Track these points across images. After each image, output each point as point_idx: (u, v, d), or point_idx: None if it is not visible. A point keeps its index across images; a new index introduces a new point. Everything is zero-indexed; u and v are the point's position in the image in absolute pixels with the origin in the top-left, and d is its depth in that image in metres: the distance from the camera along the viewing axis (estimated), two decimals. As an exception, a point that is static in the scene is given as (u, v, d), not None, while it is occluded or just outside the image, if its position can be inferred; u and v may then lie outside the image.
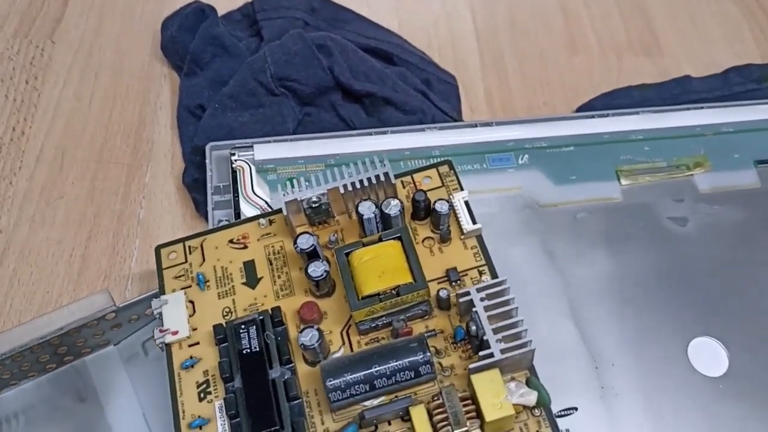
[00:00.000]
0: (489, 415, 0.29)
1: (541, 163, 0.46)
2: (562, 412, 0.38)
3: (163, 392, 0.34)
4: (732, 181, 0.46)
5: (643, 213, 0.44)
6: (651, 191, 0.45)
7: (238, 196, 0.43)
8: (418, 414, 0.30)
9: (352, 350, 0.34)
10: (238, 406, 0.32)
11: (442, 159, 0.39)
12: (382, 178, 0.35)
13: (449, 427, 0.29)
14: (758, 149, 0.47)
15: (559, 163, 0.46)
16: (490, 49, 0.56)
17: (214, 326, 0.34)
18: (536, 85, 0.54)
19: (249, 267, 0.37)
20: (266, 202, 0.43)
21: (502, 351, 0.30)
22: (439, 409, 0.30)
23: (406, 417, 0.31)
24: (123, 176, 0.47)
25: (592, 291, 0.41)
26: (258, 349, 0.33)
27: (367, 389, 0.31)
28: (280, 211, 0.36)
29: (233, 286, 0.36)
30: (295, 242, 0.34)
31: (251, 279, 0.36)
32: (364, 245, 0.34)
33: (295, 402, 0.32)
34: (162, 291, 0.37)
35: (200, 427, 0.33)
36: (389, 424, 0.31)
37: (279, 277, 0.36)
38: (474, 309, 0.31)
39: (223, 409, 0.32)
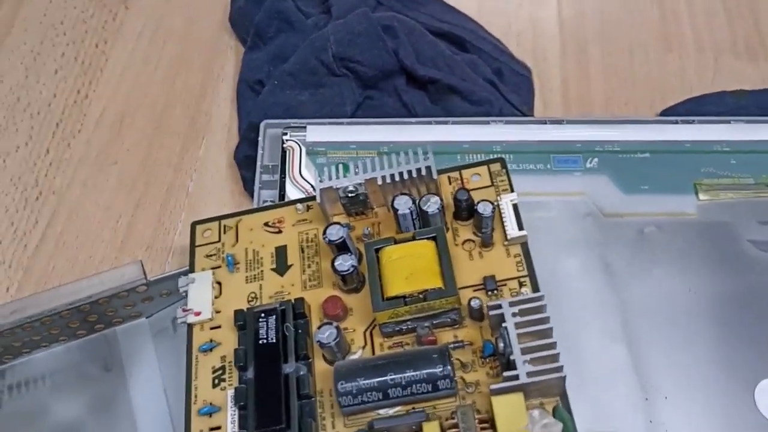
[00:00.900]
0: (504, 443, 0.27)
1: (610, 169, 0.42)
2: (601, 444, 0.35)
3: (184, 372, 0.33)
4: (830, 206, 0.41)
5: (721, 233, 0.40)
6: (732, 210, 0.41)
7: (284, 178, 0.42)
8: (431, 431, 0.28)
9: (373, 353, 0.32)
10: (247, 398, 0.30)
11: (498, 156, 0.36)
12: (424, 172, 0.33)
13: (461, 450, 0.27)
14: None
15: (631, 170, 0.42)
16: (574, 38, 0.52)
17: (235, 311, 0.33)
18: (620, 82, 0.50)
19: (280, 253, 0.35)
20: (312, 186, 0.41)
21: (529, 374, 0.27)
22: (454, 429, 0.28)
23: (418, 432, 0.29)
24: (178, 147, 0.47)
25: (651, 314, 0.38)
26: (275, 341, 0.32)
27: (380, 397, 0.29)
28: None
29: (262, 271, 0.35)
30: (324, 232, 0.33)
31: (281, 265, 0.35)
32: (396, 242, 0.32)
33: (307, 401, 0.31)
34: (192, 269, 0.36)
35: (210, 415, 0.32)
36: (401, 437, 0.29)
37: (309, 266, 0.35)
38: (504, 324, 0.29)
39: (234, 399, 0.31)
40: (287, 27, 0.49)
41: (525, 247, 0.33)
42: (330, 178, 0.34)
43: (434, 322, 0.31)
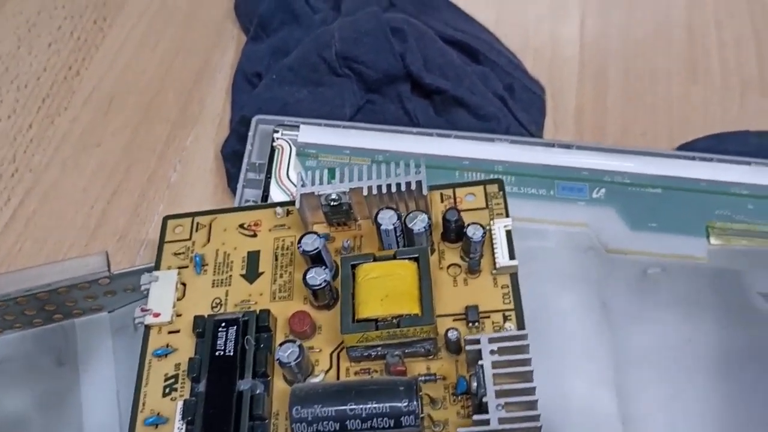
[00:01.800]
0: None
1: (618, 201, 0.40)
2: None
3: (139, 375, 0.31)
4: None
5: (731, 282, 0.38)
6: (745, 258, 0.38)
7: (270, 178, 0.40)
8: (389, 472, 0.26)
9: (338, 377, 0.29)
10: (196, 412, 0.28)
11: (496, 177, 0.34)
12: (414, 187, 0.31)
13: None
14: None
15: (639, 205, 0.40)
16: (594, 60, 0.50)
17: (195, 317, 0.31)
18: (638, 111, 0.47)
19: (252, 258, 0.33)
20: (298, 190, 0.39)
21: (501, 420, 0.25)
22: (414, 472, 0.26)
23: (375, 471, 0.26)
24: (165, 134, 0.45)
25: (646, 362, 0.35)
26: (232, 354, 0.29)
27: (337, 428, 0.26)
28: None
29: (230, 276, 0.33)
30: (299, 241, 0.30)
31: (251, 272, 0.33)
32: (375, 259, 0.30)
33: (260, 422, 0.28)
34: (157, 266, 0.34)
35: (156, 426, 0.30)
36: (356, 474, 0.27)
37: (281, 276, 0.32)
38: (480, 362, 0.26)
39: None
40: (292, 20, 0.47)
41: (514, 278, 0.31)
42: (312, 183, 0.32)
43: (406, 350, 0.29)
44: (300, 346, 0.28)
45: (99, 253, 0.35)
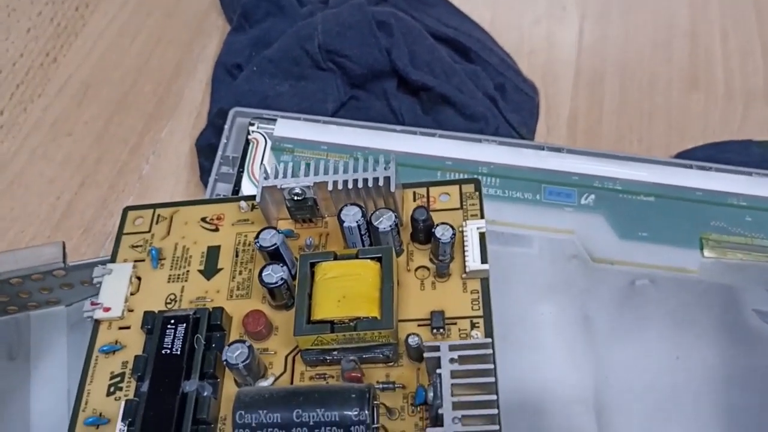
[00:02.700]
0: None
1: (607, 209, 0.38)
2: None
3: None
4: None
5: (723, 297, 0.36)
6: (740, 273, 0.36)
7: (243, 171, 0.38)
8: (335, 486, 0.24)
9: (291, 382, 0.28)
10: (137, 414, 0.27)
11: (476, 176, 0.32)
12: (382, 183, 0.29)
13: None
14: None
15: (630, 213, 0.38)
16: (591, 65, 0.48)
17: (145, 313, 0.29)
18: (635, 117, 0.45)
19: (212, 253, 0.32)
20: (271, 185, 0.37)
21: (457, 435, 0.23)
22: (362, 487, 0.24)
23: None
24: (140, 126, 0.43)
25: (630, 380, 0.33)
26: (179, 353, 0.28)
27: (282, 437, 0.25)
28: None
29: (188, 271, 0.31)
30: (257, 236, 0.29)
31: (209, 268, 0.31)
32: (336, 258, 0.28)
33: (204, 427, 0.27)
34: (113, 258, 0.32)
35: (97, 426, 0.28)
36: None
37: (240, 273, 0.31)
38: (438, 370, 0.24)
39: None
40: (277, 11, 0.45)
41: (485, 283, 0.29)
42: (276, 176, 0.30)
43: (364, 356, 0.27)
44: (249, 347, 0.26)
45: (54, 243, 0.33)
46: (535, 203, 0.38)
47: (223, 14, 0.49)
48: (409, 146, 0.39)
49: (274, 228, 0.29)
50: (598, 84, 0.47)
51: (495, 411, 0.24)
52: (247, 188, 0.37)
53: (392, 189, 0.29)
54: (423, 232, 0.29)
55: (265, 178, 0.30)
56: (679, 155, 0.43)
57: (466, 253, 0.29)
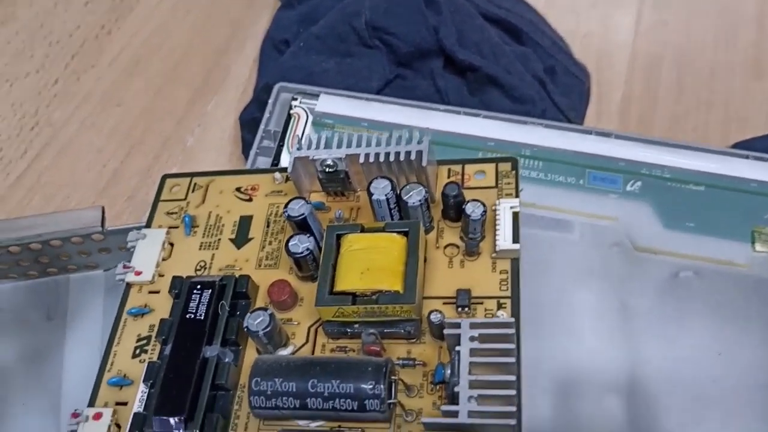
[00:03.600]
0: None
1: (654, 197, 0.36)
2: None
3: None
4: None
5: (773, 294, 0.34)
6: (793, 269, 0.34)
7: (282, 145, 0.38)
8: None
9: (313, 353, 0.27)
10: (158, 376, 0.27)
11: (512, 156, 0.31)
12: (414, 157, 0.29)
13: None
14: None
15: (678, 202, 0.36)
16: (648, 50, 0.46)
17: (173, 278, 0.30)
18: (692, 104, 0.43)
19: (244, 223, 0.32)
20: (309, 160, 0.37)
21: (471, 414, 0.23)
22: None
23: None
24: (186, 99, 0.44)
25: (667, 374, 0.32)
26: (202, 318, 0.28)
27: (297, 405, 0.24)
28: (292, 167, 0.31)
29: (219, 239, 0.31)
30: (286, 206, 0.28)
31: (241, 237, 0.31)
32: (363, 230, 0.28)
33: (223, 393, 0.27)
34: (149, 224, 0.33)
35: (120, 387, 0.28)
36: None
37: (270, 243, 0.31)
38: (458, 348, 0.24)
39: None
40: (325, -13, 0.45)
41: (515, 264, 0.28)
42: (309, 147, 0.30)
43: (386, 330, 0.26)
44: (271, 315, 0.26)
45: (94, 208, 0.34)
46: (578, 188, 0.37)
47: (274, -9, 0.49)
48: (452, 125, 0.39)
49: (303, 198, 0.29)
50: (655, 70, 0.45)
51: (513, 392, 0.23)
52: (286, 162, 0.37)
53: (424, 164, 0.28)
54: (453, 208, 0.29)
55: (298, 149, 0.30)
56: (737, 145, 0.41)
57: (497, 232, 0.28)
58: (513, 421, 0.23)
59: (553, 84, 0.42)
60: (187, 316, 0.28)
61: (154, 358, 0.28)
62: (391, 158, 0.29)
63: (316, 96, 0.40)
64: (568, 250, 0.35)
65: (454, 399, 0.23)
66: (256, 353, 0.28)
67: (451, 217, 0.29)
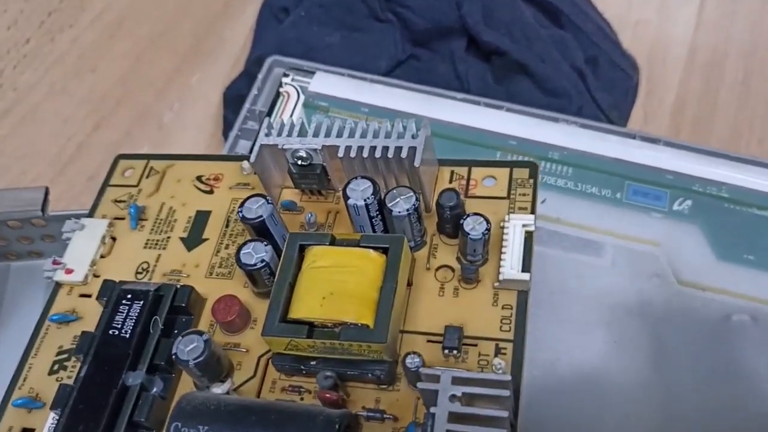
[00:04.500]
0: None
1: (707, 219, 0.30)
2: None
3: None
4: None
5: None
6: None
7: (267, 129, 0.33)
8: None
9: (259, 391, 0.22)
10: (67, 403, 0.22)
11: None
12: (406, 154, 0.23)
13: None
14: None
15: (735, 229, 0.30)
16: (711, 46, 0.40)
17: (105, 281, 0.25)
18: (758, 111, 0.37)
19: (200, 220, 0.27)
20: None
21: (442, 501, 0.17)
22: None
23: None
24: (170, 67, 0.39)
25: (707, 440, 0.26)
26: (128, 336, 0.23)
27: (224, 464, 0.19)
28: (260, 156, 0.25)
29: (169, 237, 0.26)
30: (241, 205, 0.23)
31: (193, 237, 0.26)
32: (332, 243, 0.22)
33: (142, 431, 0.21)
34: (92, 212, 0.28)
35: (29, 410, 0.23)
36: None
37: (226, 247, 0.26)
38: (433, 409, 0.18)
39: (56, 399, 0.23)
40: (335, -51, 0.40)
41: (524, 298, 0.22)
42: (280, 133, 0.25)
43: (349, 372, 0.21)
44: (207, 342, 0.21)
45: (37, 188, 0.29)
46: (614, 203, 0.31)
47: (282, -48, 0.43)
48: (468, 118, 0.33)
49: (264, 197, 0.23)
50: (717, 68, 0.39)
51: (501, 478, 0.18)
52: (268, 149, 0.32)
53: (416, 163, 0.23)
54: (450, 222, 0.23)
55: (266, 135, 0.25)
56: (812, 164, 0.34)
57: (503, 256, 0.23)
58: None
59: (594, 77, 0.36)
60: (111, 331, 0.23)
61: (73, 378, 0.24)
62: (378, 154, 0.23)
63: (311, 73, 0.35)
64: (595, 279, 0.29)
65: (422, 477, 0.18)
66: (193, 385, 0.23)
67: (448, 232, 0.24)
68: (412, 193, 0.23)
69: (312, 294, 0.21)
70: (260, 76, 0.35)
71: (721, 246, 0.30)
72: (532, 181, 0.25)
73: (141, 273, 0.26)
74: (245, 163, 0.28)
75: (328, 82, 0.34)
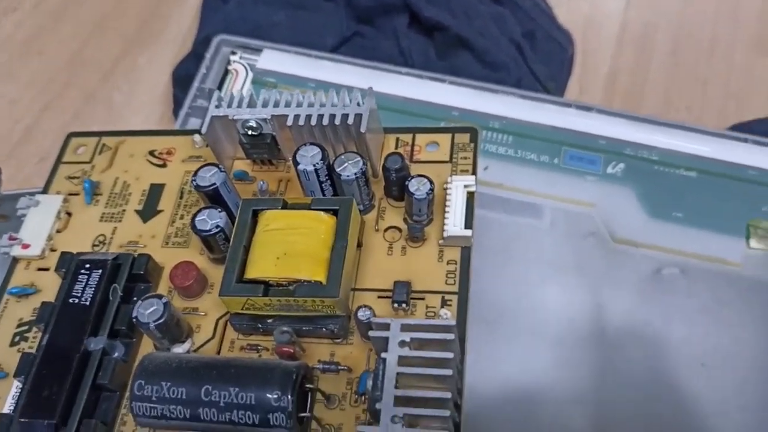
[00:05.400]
0: None
1: (638, 181, 0.32)
2: None
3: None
4: None
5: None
6: (792, 270, 0.30)
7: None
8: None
9: (219, 351, 0.23)
10: (31, 371, 0.22)
11: (471, 126, 0.27)
12: (352, 121, 0.24)
13: None
14: None
15: (665, 189, 0.32)
16: (642, 19, 0.42)
17: (62, 254, 0.25)
18: (687, 81, 0.39)
19: (154, 192, 0.27)
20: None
21: (394, 437, 0.18)
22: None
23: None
24: (117, 49, 0.39)
25: (644, 386, 0.28)
26: (88, 303, 0.23)
27: (187, 416, 0.20)
28: (212, 128, 0.26)
29: (124, 210, 0.27)
30: (194, 174, 0.24)
31: (148, 209, 0.27)
32: (284, 207, 0.23)
33: (107, 394, 0.22)
34: (46, 189, 0.28)
35: (-8, 381, 0.24)
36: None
37: (181, 217, 0.26)
38: (384, 355, 0.20)
39: (18, 368, 0.23)
40: (279, -71, 0.40)
41: (466, 253, 0.24)
42: (231, 105, 0.26)
43: (305, 328, 0.22)
44: (166, 304, 0.22)
45: (-11, 168, 0.29)
46: (551, 168, 0.33)
47: (226, -67, 0.44)
48: (412, 91, 0.34)
49: (217, 165, 0.24)
50: (648, 40, 0.41)
51: (447, 413, 0.19)
52: (219, 125, 0.33)
53: (362, 129, 0.24)
54: (396, 184, 0.24)
55: (217, 106, 0.26)
56: (734, 128, 0.37)
57: (446, 215, 0.24)
58: (446, 450, 0.18)
59: (531, 50, 0.38)
60: (71, 300, 0.24)
61: (33, 348, 0.24)
62: (325, 122, 0.24)
63: (258, 51, 0.35)
64: (536, 239, 0.31)
65: (375, 417, 0.19)
66: (153, 349, 0.23)
67: (395, 195, 0.25)
68: (359, 158, 0.24)
69: (266, 255, 0.22)
70: (208, 55, 0.36)
71: (652, 205, 0.32)
72: (472, 145, 0.26)
73: (98, 245, 0.26)
74: (197, 137, 0.28)
75: (276, 59, 0.35)
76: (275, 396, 0.20)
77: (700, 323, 0.29)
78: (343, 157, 0.24)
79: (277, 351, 0.22)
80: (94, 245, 0.26)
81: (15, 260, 0.27)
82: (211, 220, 0.24)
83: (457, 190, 0.24)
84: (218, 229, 0.23)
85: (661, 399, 0.28)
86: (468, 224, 0.24)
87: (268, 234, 0.23)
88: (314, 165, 0.24)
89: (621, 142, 0.33)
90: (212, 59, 0.36)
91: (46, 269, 0.26)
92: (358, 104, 0.25)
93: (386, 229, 0.25)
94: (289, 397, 0.20)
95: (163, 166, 0.28)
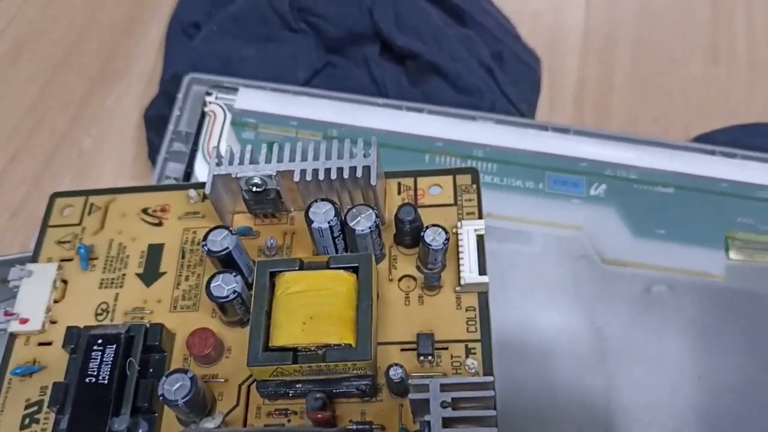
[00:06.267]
0: None
1: (621, 201, 0.33)
2: None
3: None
4: None
5: (750, 306, 0.31)
6: (770, 278, 0.32)
7: (197, 150, 0.33)
8: None
9: (245, 420, 0.23)
10: (52, 459, 0.22)
11: (474, 163, 0.27)
12: (360, 173, 0.24)
13: None
14: None
15: (646, 207, 0.33)
16: (602, 33, 0.43)
17: (68, 328, 0.24)
18: (650, 93, 0.41)
19: (154, 253, 0.26)
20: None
21: (449, 501, 0.19)
22: None
23: None
24: (81, 91, 0.38)
25: (646, 401, 0.29)
26: (106, 381, 0.23)
27: (229, 497, 0.20)
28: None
29: (124, 275, 0.26)
30: (205, 238, 0.23)
31: (150, 272, 0.26)
32: (301, 267, 0.23)
33: (136, 476, 0.22)
34: (35, 257, 0.27)
35: (7, 470, 0.23)
36: None
37: (186, 279, 0.26)
38: (427, 417, 0.20)
39: (36, 455, 0.22)
40: (242, -39, 0.39)
41: (484, 298, 0.24)
42: (231, 162, 0.25)
43: (335, 390, 0.22)
44: (192, 379, 0.21)
45: (-34, 234, 0.28)
46: (538, 193, 0.33)
47: (183, -37, 0.43)
48: (393, 124, 0.34)
49: (227, 228, 0.24)
50: (609, 54, 0.42)
51: (497, 473, 0.19)
52: (202, 170, 0.32)
53: (372, 182, 0.24)
54: (410, 234, 0.24)
55: (218, 164, 0.25)
56: (699, 138, 0.38)
57: (461, 262, 0.24)
58: None
59: (501, 71, 0.38)
60: (87, 379, 0.23)
61: (48, 430, 0.23)
62: (333, 175, 0.24)
63: (233, 90, 0.35)
64: (529, 266, 0.32)
65: (425, 481, 0.19)
66: (177, 422, 0.23)
67: (406, 243, 0.25)
68: (371, 211, 0.24)
69: (291, 320, 0.22)
70: (180, 95, 0.35)
71: (635, 224, 0.33)
72: (474, 186, 0.27)
73: (101, 314, 0.25)
74: (192, 192, 0.28)
75: (253, 98, 0.34)
76: (324, 468, 0.20)
77: (691, 337, 0.30)
78: (354, 210, 0.24)
79: (311, 417, 0.21)
80: (97, 314, 0.25)
81: (13, 336, 0.25)
82: (227, 285, 0.23)
83: (469, 235, 0.25)
84: (236, 294, 0.23)
85: (661, 411, 0.29)
86: (482, 270, 0.24)
87: (290, 297, 0.22)
88: (328, 222, 0.23)
89: (600, 163, 0.34)
90: (184, 99, 0.35)
91: (48, 343, 0.25)
92: (365, 155, 0.24)
93: (401, 278, 0.25)
94: (339, 467, 0.20)
95: (159, 224, 0.27)
